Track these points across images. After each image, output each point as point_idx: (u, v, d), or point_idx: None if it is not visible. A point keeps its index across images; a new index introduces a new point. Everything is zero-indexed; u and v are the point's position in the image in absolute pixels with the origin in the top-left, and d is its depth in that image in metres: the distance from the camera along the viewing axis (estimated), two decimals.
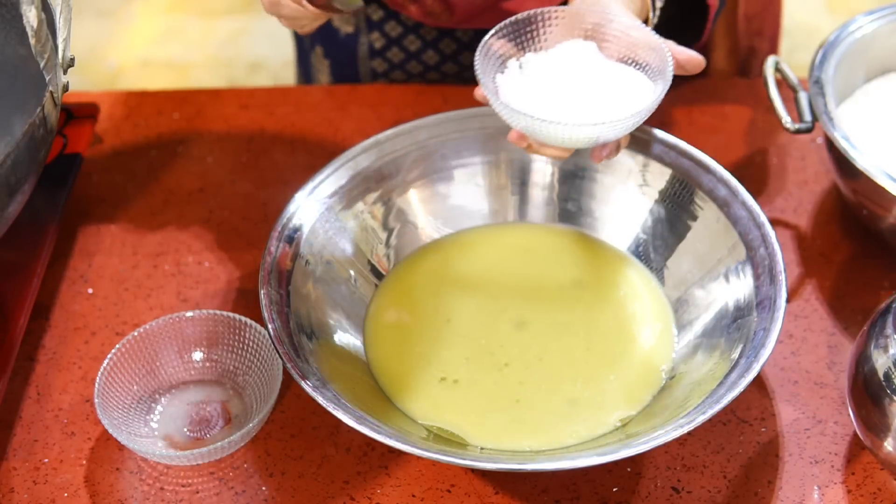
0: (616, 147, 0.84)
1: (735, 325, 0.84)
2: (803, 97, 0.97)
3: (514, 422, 0.83)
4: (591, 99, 0.81)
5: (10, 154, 0.80)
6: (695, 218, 0.91)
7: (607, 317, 0.90)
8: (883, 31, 1.02)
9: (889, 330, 0.77)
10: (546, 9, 0.84)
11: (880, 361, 0.77)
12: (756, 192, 0.92)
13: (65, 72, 0.87)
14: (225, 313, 0.88)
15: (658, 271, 0.92)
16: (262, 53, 2.41)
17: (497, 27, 0.83)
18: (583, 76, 0.82)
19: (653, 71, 0.82)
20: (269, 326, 0.82)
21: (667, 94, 0.80)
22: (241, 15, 2.50)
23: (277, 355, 0.82)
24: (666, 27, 0.91)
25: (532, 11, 0.84)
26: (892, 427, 0.76)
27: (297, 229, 0.90)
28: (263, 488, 0.83)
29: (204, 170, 1.08)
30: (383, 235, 0.95)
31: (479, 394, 0.85)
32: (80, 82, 1.98)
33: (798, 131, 0.96)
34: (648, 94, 0.81)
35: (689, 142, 0.93)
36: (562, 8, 0.84)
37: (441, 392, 0.85)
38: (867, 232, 0.98)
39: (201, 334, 0.88)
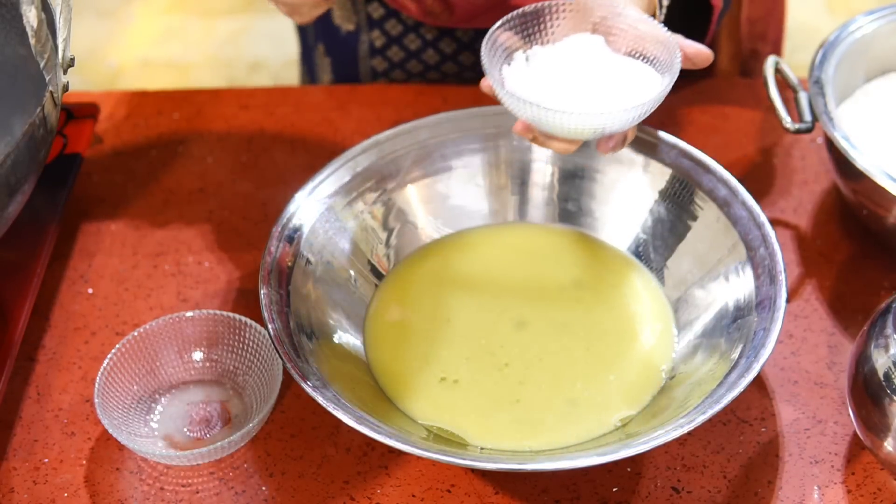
0: (622, 139, 0.83)
1: (735, 325, 0.84)
2: (803, 97, 0.97)
3: (515, 422, 0.83)
4: (597, 91, 0.80)
5: (10, 154, 0.80)
6: (695, 218, 0.91)
7: (607, 317, 0.90)
8: (883, 31, 1.01)
9: (889, 330, 0.77)
10: (554, 2, 0.83)
11: (880, 361, 0.77)
12: (756, 192, 0.92)
13: (65, 72, 0.87)
14: (225, 313, 0.88)
15: (658, 271, 0.92)
16: (262, 53, 2.41)
17: (504, 19, 0.82)
18: (590, 69, 0.82)
19: (661, 64, 0.82)
20: (269, 326, 0.82)
21: (667, 95, 0.80)
22: (241, 15, 2.51)
23: (277, 355, 0.82)
24: (670, 27, 0.91)
25: (539, 4, 0.83)
26: (892, 427, 0.76)
27: (297, 229, 0.90)
28: (263, 488, 0.83)
29: (204, 170, 1.08)
30: (383, 235, 0.95)
31: (480, 394, 0.85)
32: (80, 82, 1.98)
33: (798, 131, 0.96)
34: (656, 86, 0.81)
35: (689, 142, 0.93)
36: (570, 1, 0.84)
37: (441, 392, 0.85)
38: (867, 232, 0.98)
39: (201, 334, 0.88)
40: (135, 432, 0.84)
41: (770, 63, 1.00)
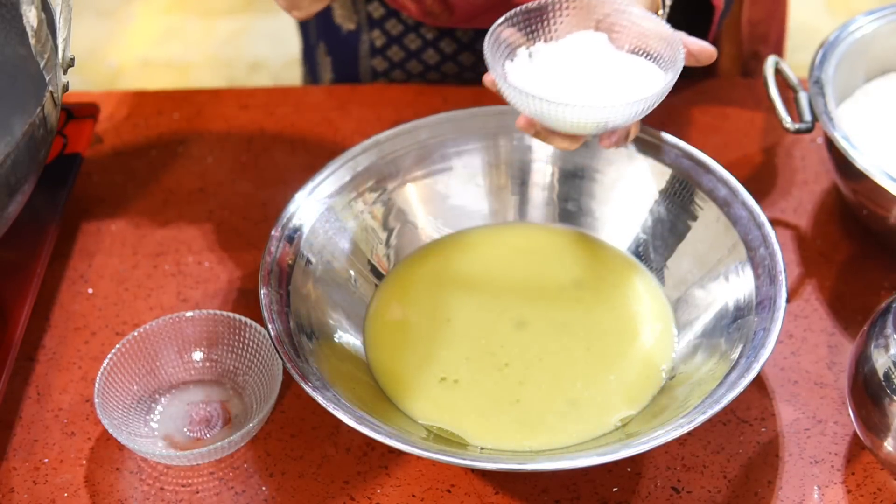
0: (625, 135, 0.83)
1: (735, 325, 0.84)
2: (803, 97, 0.97)
3: (515, 422, 0.83)
4: (600, 86, 0.80)
5: (10, 154, 0.80)
6: (695, 218, 0.91)
7: (607, 317, 0.90)
8: (883, 31, 1.02)
9: (889, 330, 0.77)
10: None
11: (880, 361, 0.77)
12: (756, 192, 0.92)
13: (65, 72, 0.87)
14: (225, 313, 0.88)
15: (658, 271, 0.92)
16: (262, 53, 2.41)
17: (507, 15, 0.82)
18: (593, 65, 0.81)
19: (664, 61, 0.81)
20: (269, 326, 0.82)
21: (668, 96, 0.80)
22: (241, 15, 2.51)
23: (277, 355, 0.82)
24: (672, 26, 0.91)
25: (543, 1, 0.83)
26: (892, 427, 0.76)
27: (297, 229, 0.90)
28: (263, 488, 0.83)
29: (204, 170, 1.08)
30: (383, 235, 0.95)
31: (480, 394, 0.85)
32: (80, 82, 1.98)
33: (798, 131, 0.96)
34: (659, 81, 0.81)
35: (689, 142, 0.94)
36: None
37: (441, 392, 0.85)
38: (867, 232, 0.98)
39: (201, 334, 0.88)
40: (135, 432, 0.84)
41: (770, 63, 1.00)
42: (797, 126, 0.96)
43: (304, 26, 1.26)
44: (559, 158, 0.96)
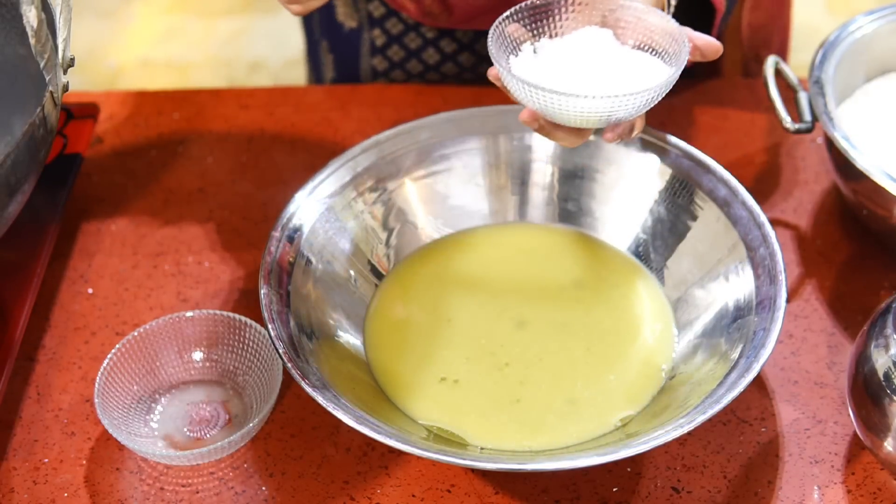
0: (629, 128, 0.82)
1: (735, 325, 0.84)
2: (803, 97, 0.97)
3: (515, 422, 0.83)
4: (605, 80, 0.80)
5: (10, 154, 0.80)
6: (695, 218, 0.91)
7: (607, 317, 0.90)
8: (883, 31, 1.02)
9: (889, 330, 0.77)
10: None
11: (880, 361, 0.77)
12: (756, 192, 0.92)
13: (65, 72, 0.87)
14: (225, 313, 0.88)
15: (658, 271, 0.92)
16: (262, 53, 2.41)
17: (512, 10, 0.82)
18: (598, 60, 0.81)
19: (669, 57, 0.81)
20: (269, 326, 0.82)
21: (667, 96, 0.79)
22: (241, 15, 2.51)
23: (277, 355, 0.82)
24: None
25: None
26: (892, 427, 0.76)
27: (297, 229, 0.90)
28: (263, 488, 0.83)
29: (204, 170, 1.08)
30: (383, 235, 0.95)
31: (480, 394, 0.85)
32: (80, 82, 1.98)
33: (798, 131, 0.96)
34: (664, 75, 0.80)
35: (689, 142, 0.93)
36: None
37: (441, 392, 0.85)
38: (867, 232, 0.98)
39: (201, 334, 0.88)
40: (135, 432, 0.84)
41: (770, 63, 1.00)
42: (797, 126, 0.96)
43: (308, 24, 1.26)
44: (559, 158, 0.96)
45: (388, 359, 0.88)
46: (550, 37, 0.83)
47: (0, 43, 0.92)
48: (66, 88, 0.88)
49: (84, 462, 0.85)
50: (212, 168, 1.08)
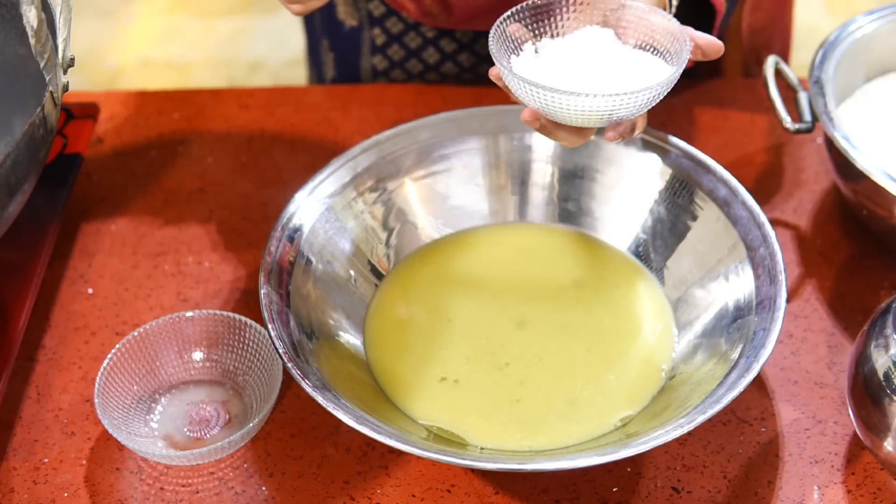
0: (631, 127, 0.81)
1: (735, 325, 0.84)
2: (803, 97, 0.97)
3: (515, 422, 0.84)
4: (607, 80, 0.79)
5: (10, 154, 0.80)
6: (695, 218, 0.91)
7: (607, 317, 0.90)
8: (883, 31, 1.02)
9: (889, 330, 0.77)
10: None
11: (880, 361, 0.77)
12: (756, 192, 0.92)
13: (65, 72, 0.87)
14: (225, 313, 0.88)
15: (658, 271, 0.92)
16: (262, 53, 2.41)
17: (513, 10, 0.82)
18: (599, 60, 0.81)
19: (671, 56, 0.81)
20: (269, 326, 0.82)
21: (667, 96, 0.79)
22: (241, 15, 2.51)
23: (277, 355, 0.82)
24: None
25: None
26: (892, 427, 0.76)
27: (297, 229, 0.90)
28: (263, 488, 0.83)
29: (204, 170, 1.08)
30: (383, 235, 0.95)
31: (480, 394, 0.85)
32: (80, 82, 1.98)
33: (798, 131, 0.96)
34: (665, 74, 0.80)
35: (689, 142, 0.94)
36: None
37: (441, 392, 0.85)
38: (867, 232, 0.98)
39: (201, 334, 0.88)
40: (135, 432, 0.84)
41: (770, 63, 1.00)
42: (797, 126, 0.96)
43: (309, 23, 1.26)
44: (559, 158, 0.97)
45: (388, 359, 0.88)
46: (552, 36, 0.83)
47: (0, 43, 0.92)
48: (66, 88, 0.88)
49: (84, 462, 0.85)
50: (212, 168, 1.08)
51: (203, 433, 0.85)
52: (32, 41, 0.83)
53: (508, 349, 0.88)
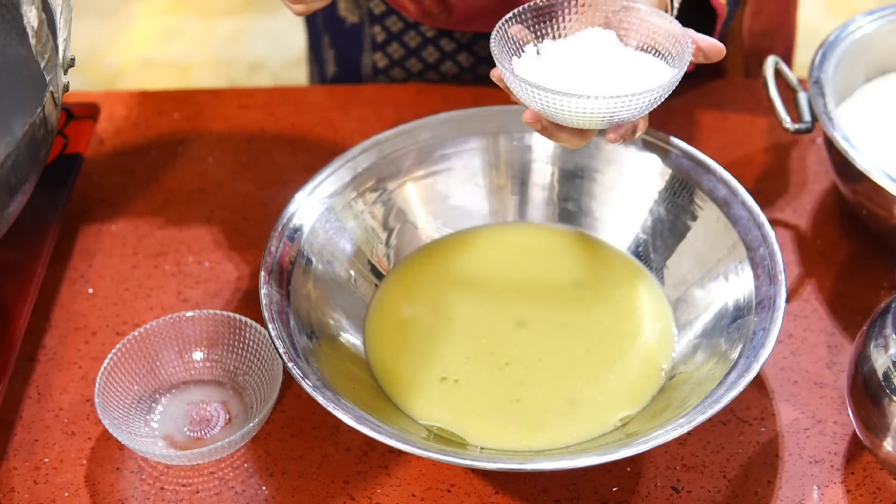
0: (632, 129, 0.81)
1: (735, 325, 0.84)
2: (803, 97, 0.97)
3: (515, 422, 0.84)
4: (608, 82, 0.80)
5: (11, 154, 0.80)
6: (695, 218, 0.91)
7: (607, 317, 0.90)
8: (883, 31, 1.02)
9: (889, 330, 0.77)
10: None
11: (880, 361, 0.77)
12: (756, 192, 0.92)
13: (65, 72, 0.87)
14: (225, 313, 0.88)
15: (658, 271, 0.92)
16: (262, 53, 2.41)
17: (515, 11, 0.82)
18: (601, 62, 0.81)
19: (672, 58, 0.81)
20: (270, 326, 0.82)
21: (668, 96, 0.79)
22: (241, 15, 2.51)
23: (277, 355, 0.82)
24: None
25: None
26: (892, 427, 0.76)
27: (297, 229, 0.90)
28: (263, 488, 0.83)
29: (204, 170, 1.08)
30: (383, 235, 0.95)
31: (480, 393, 0.85)
32: (81, 82, 1.97)
33: (798, 131, 0.96)
34: (667, 76, 0.80)
35: (689, 142, 0.94)
36: None
37: (441, 392, 0.85)
38: (867, 232, 0.98)
39: (201, 334, 0.88)
40: (135, 432, 0.84)
41: (770, 63, 1.00)
42: (797, 126, 0.96)
43: (310, 19, 1.26)
44: (559, 158, 0.97)
45: (388, 358, 0.88)
46: (553, 38, 0.83)
47: (0, 43, 0.92)
48: (66, 88, 0.88)
49: (84, 462, 0.85)
50: (212, 168, 1.08)
51: (203, 433, 0.85)
52: (33, 41, 0.83)
53: (508, 349, 0.88)
